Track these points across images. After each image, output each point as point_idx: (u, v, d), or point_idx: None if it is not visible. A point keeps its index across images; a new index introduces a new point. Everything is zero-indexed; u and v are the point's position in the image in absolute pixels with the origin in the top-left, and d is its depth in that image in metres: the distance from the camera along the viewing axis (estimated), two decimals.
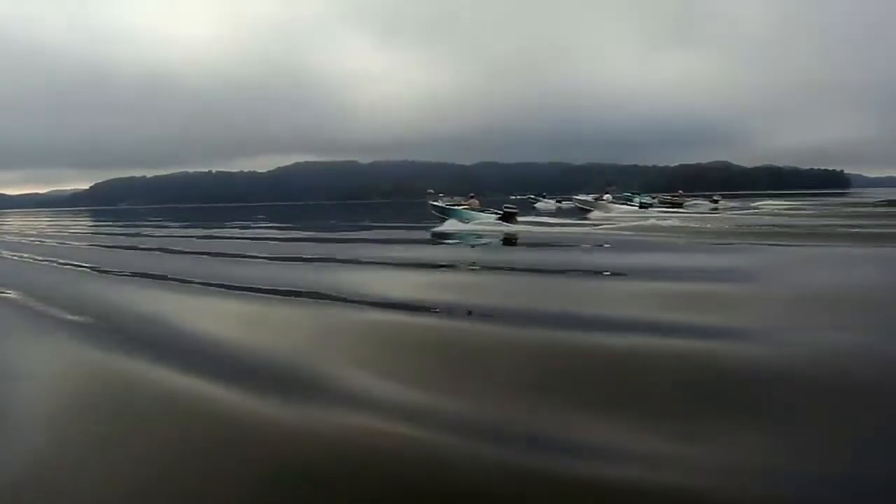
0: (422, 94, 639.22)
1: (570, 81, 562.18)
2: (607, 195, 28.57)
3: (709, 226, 16.62)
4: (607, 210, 24.93)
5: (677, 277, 7.69)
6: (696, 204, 32.62)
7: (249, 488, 2.42)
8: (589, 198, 28.11)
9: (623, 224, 17.21)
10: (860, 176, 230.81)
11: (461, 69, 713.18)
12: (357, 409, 3.13)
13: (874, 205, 30.13)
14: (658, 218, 19.11)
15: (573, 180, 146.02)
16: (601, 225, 17.56)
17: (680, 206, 31.11)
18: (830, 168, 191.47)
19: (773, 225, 16.81)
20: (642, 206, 26.92)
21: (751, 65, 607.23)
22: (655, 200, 31.65)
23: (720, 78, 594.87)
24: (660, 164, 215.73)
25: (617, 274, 8.48)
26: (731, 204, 32.52)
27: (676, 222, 17.45)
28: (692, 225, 16.86)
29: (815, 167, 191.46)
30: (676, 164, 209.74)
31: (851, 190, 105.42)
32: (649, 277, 7.76)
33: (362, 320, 5.62)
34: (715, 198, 34.11)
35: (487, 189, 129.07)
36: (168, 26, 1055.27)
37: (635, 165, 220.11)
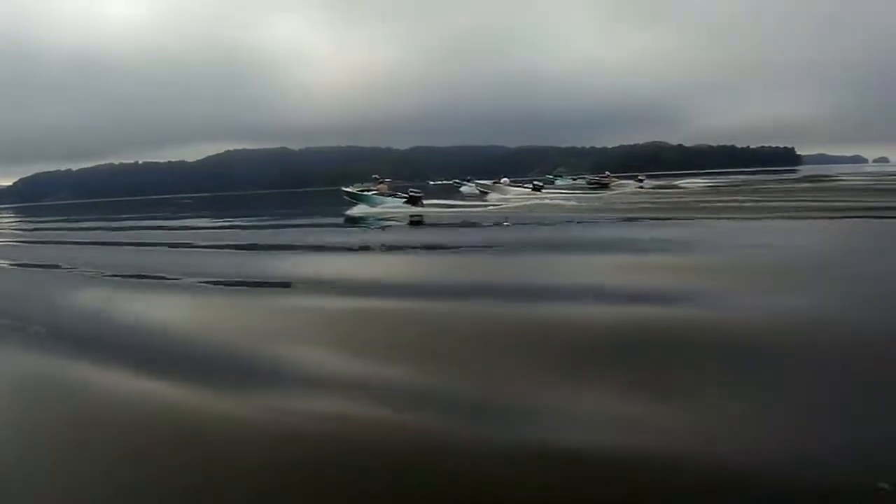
0: (364, 76, 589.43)
1: (526, 63, 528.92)
2: (504, 179, 30.00)
3: (583, 204, 18.26)
4: (503, 192, 26.41)
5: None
6: (622, 185, 32.82)
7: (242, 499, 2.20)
8: (489, 182, 29.59)
9: (511, 205, 19.19)
10: (823, 154, 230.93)
11: (405, 50, 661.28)
12: (337, 396, 2.99)
13: (791, 181, 30.66)
14: (541, 198, 21.55)
15: (511, 164, 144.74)
16: (497, 206, 19.02)
17: (606, 186, 31.64)
18: (782, 146, 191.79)
19: (654, 202, 17.80)
20: (535, 188, 28.23)
21: (711, 42, 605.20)
22: (569, 181, 32.76)
23: (678, 55, 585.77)
24: (604, 147, 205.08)
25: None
26: (656, 183, 33.25)
27: (557, 202, 19.37)
28: (569, 203, 18.56)
29: (767, 145, 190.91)
30: (616, 145, 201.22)
31: (802, 167, 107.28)
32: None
33: (296, 306, 5.67)
34: (640, 178, 34.96)
35: (430, 172, 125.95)
36: (93, 3, 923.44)
37: (573, 147, 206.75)
